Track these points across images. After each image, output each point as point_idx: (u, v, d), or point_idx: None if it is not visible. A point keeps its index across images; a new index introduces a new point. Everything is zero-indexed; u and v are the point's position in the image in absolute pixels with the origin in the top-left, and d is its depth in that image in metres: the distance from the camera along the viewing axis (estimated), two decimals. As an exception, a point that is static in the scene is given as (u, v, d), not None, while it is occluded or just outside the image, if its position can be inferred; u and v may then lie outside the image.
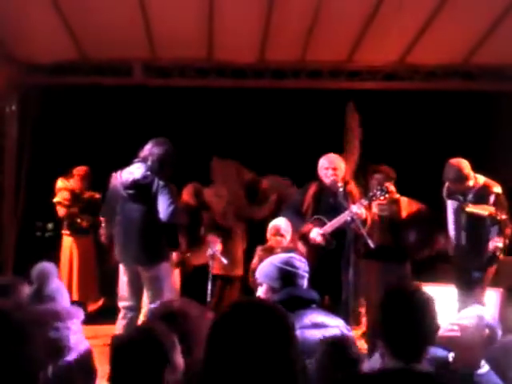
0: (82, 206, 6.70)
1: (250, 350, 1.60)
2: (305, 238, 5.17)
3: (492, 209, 5.16)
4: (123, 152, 5.45)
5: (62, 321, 3.21)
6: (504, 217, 5.12)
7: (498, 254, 5.27)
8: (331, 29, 6.54)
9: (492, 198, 5.28)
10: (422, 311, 2.24)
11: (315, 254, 5.10)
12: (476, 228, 5.32)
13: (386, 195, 5.19)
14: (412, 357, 2.18)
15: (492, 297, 5.98)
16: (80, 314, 3.38)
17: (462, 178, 5.31)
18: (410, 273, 6.05)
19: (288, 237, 5.30)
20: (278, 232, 5.22)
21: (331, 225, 5.10)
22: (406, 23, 6.42)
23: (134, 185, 5.01)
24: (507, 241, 5.22)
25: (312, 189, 5.30)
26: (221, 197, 6.37)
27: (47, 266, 3.86)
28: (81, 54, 7.07)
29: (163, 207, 4.87)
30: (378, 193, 5.11)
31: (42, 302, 3.55)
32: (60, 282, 3.88)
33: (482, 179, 5.43)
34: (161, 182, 4.95)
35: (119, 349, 2.31)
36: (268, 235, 5.33)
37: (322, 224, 5.16)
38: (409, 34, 6.65)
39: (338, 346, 2.81)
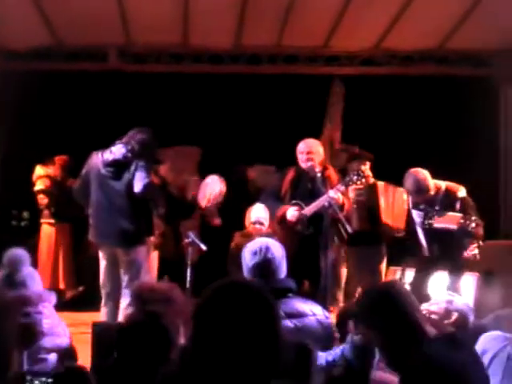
0: (64, 193, 6.61)
1: (234, 328, 1.60)
2: (282, 222, 5.17)
3: (458, 217, 5.12)
4: (99, 137, 5.44)
5: (33, 306, 3.19)
6: (473, 225, 5.08)
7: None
8: (308, 14, 6.53)
9: (458, 204, 5.25)
10: (402, 308, 2.26)
11: (293, 239, 5.10)
12: (447, 241, 5.24)
13: (363, 180, 5.19)
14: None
15: (468, 281, 6.06)
16: (52, 297, 3.37)
17: (421, 189, 5.20)
18: (385, 257, 6.13)
19: (266, 224, 5.31)
20: (257, 220, 5.21)
21: (309, 209, 5.10)
22: (382, 8, 6.44)
23: (115, 163, 5.06)
24: (481, 242, 5.23)
25: (290, 174, 5.28)
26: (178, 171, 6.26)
27: (18, 252, 3.83)
28: (56, 40, 6.99)
29: (137, 180, 4.96)
30: (355, 177, 5.11)
31: (13, 288, 3.52)
32: (31, 268, 3.84)
33: (443, 185, 5.35)
34: (140, 163, 5.02)
35: (126, 332, 2.32)
36: (247, 222, 5.33)
37: (300, 208, 5.16)
38: (385, 19, 6.67)
39: None
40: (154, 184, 5.09)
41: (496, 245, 6.67)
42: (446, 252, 5.34)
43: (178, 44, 7.11)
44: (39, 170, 6.67)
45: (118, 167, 5.05)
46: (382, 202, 5.83)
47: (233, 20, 6.68)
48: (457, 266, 5.33)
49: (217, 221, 5.98)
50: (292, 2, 6.37)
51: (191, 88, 7.39)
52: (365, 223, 5.86)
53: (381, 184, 5.91)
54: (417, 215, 5.37)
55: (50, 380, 2.25)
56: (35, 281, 3.70)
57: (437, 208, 5.22)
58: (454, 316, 3.18)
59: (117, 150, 5.11)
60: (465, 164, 7.25)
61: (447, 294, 3.37)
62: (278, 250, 3.28)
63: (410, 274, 6.07)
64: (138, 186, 4.96)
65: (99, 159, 5.15)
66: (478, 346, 2.70)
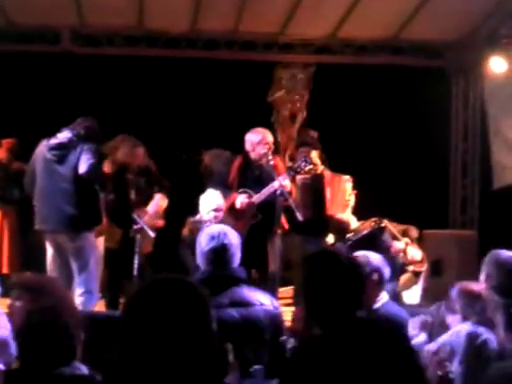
0: (9, 177, 6.48)
1: (165, 325, 1.58)
2: (231, 210, 5.16)
3: (369, 221, 5.25)
4: (49, 120, 5.35)
5: None
6: (385, 221, 5.21)
7: (404, 255, 5.38)
8: (265, 0, 6.51)
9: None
10: (344, 275, 2.19)
11: (241, 227, 5.10)
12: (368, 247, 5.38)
13: (311, 166, 5.23)
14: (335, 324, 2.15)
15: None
16: None
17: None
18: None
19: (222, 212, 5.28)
20: (218, 207, 5.15)
21: (257, 197, 5.12)
22: (338, -4, 6.46)
23: (59, 146, 5.01)
24: (402, 236, 5.34)
25: (237, 161, 5.28)
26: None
27: None
28: (6, 20, 6.80)
29: (83, 161, 4.91)
30: (303, 164, 5.14)
31: None
32: None
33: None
34: (86, 146, 4.97)
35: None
36: (203, 209, 5.22)
37: (248, 197, 5.17)
38: (341, 8, 6.68)
39: None
40: (99, 166, 5.02)
41: (444, 234, 6.82)
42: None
43: (133, 26, 7.00)
44: (-15, 154, 6.53)
45: (63, 150, 4.99)
46: (328, 192, 5.85)
47: (189, 3, 6.61)
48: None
49: (160, 223, 5.89)
50: (249, -12, 6.34)
51: (146, 72, 7.30)
52: (309, 211, 5.88)
53: (327, 174, 5.93)
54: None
55: None
56: None
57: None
58: (375, 276, 3.36)
59: (62, 135, 5.07)
60: (416, 154, 7.38)
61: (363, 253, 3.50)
62: (235, 238, 3.27)
63: None
64: (82, 168, 4.90)
65: (44, 145, 5.10)
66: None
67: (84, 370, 2.39)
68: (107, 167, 5.67)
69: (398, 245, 5.30)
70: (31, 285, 2.64)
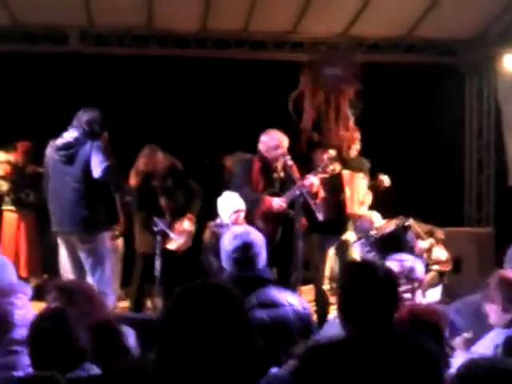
0: (25, 180, 6.40)
1: (203, 331, 1.59)
2: (266, 214, 5.10)
3: (396, 220, 5.22)
4: (59, 122, 5.25)
5: (5, 296, 3.06)
6: (410, 220, 5.17)
7: (428, 255, 5.34)
8: (275, -1, 6.45)
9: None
10: (382, 286, 2.25)
11: (276, 228, 5.07)
12: (394, 243, 5.28)
13: (335, 167, 5.20)
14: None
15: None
16: (27, 289, 3.25)
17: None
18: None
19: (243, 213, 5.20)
20: (239, 209, 5.08)
21: (287, 196, 5.09)
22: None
23: (66, 146, 4.92)
24: (426, 236, 5.29)
25: (257, 165, 5.23)
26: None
27: None
28: (13, 20, 6.69)
29: (96, 164, 4.81)
30: (329, 162, 5.13)
31: None
32: (3, 257, 3.68)
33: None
34: (95, 143, 4.88)
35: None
36: (223, 211, 5.14)
37: (278, 196, 5.14)
38: (353, 6, 6.63)
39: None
40: (114, 167, 4.92)
41: (461, 232, 6.80)
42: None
43: (143, 26, 6.91)
44: (0, 156, 6.45)
45: (71, 150, 4.90)
46: (347, 191, 5.86)
47: (199, 2, 6.53)
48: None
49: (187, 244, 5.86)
50: (259, -14, 6.27)
51: (155, 72, 7.21)
52: (329, 211, 5.86)
53: (346, 173, 5.93)
54: (361, 245, 5.45)
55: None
56: (6, 272, 3.55)
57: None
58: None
59: (68, 134, 4.98)
60: (431, 152, 7.34)
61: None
62: (259, 238, 3.24)
63: None
64: (96, 171, 4.80)
65: (52, 146, 5.03)
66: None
67: (96, 370, 2.42)
68: (132, 179, 5.63)
69: (422, 244, 5.25)
70: (67, 288, 2.61)
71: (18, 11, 6.57)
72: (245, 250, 3.16)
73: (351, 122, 7.11)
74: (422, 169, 7.36)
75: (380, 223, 5.56)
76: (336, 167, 5.77)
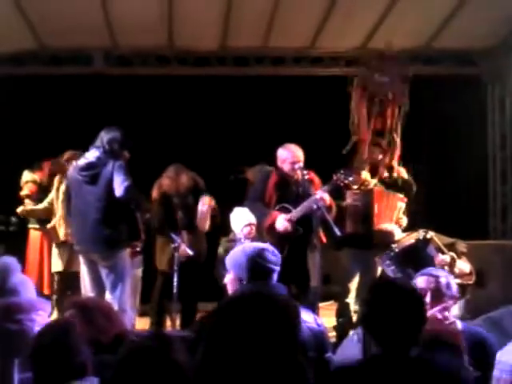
0: None
1: (251, 341, 1.58)
2: (271, 228, 5.10)
3: (416, 233, 5.15)
4: (85, 142, 5.37)
5: (25, 313, 3.14)
6: (431, 233, 5.10)
7: (449, 268, 5.24)
8: (293, 14, 6.50)
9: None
10: (409, 305, 2.21)
11: (282, 243, 5.05)
12: (413, 258, 5.16)
13: (350, 178, 5.13)
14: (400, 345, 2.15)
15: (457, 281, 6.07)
16: (46, 306, 3.31)
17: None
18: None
19: (254, 227, 5.25)
20: (250, 223, 5.13)
21: (298, 211, 5.06)
22: (368, 8, 6.42)
23: (88, 166, 5.02)
24: (447, 249, 5.22)
25: (273, 179, 5.23)
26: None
27: (8, 259, 3.76)
28: (39, 43, 6.91)
29: (117, 183, 4.88)
30: (342, 176, 5.04)
31: (4, 296, 3.46)
32: (23, 275, 3.77)
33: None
34: (117, 163, 4.96)
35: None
36: (235, 226, 5.21)
37: (287, 212, 5.11)
38: (371, 19, 6.64)
39: None
40: (134, 187, 5.00)
41: (486, 245, 6.67)
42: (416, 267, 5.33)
43: (164, 46, 7.05)
44: (26, 175, 6.60)
45: (93, 170, 5.00)
46: (376, 208, 5.82)
47: (218, 21, 6.64)
48: None
49: (207, 224, 5.90)
50: (277, 3, 6.33)
51: (178, 90, 7.33)
52: (358, 228, 5.82)
53: (377, 190, 5.87)
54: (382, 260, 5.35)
55: None
56: (27, 288, 3.62)
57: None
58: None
59: (90, 155, 5.09)
60: (454, 164, 7.27)
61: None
62: (273, 257, 3.22)
63: None
64: (118, 191, 4.88)
65: (74, 166, 5.14)
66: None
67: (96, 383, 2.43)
68: (154, 193, 5.74)
69: (443, 257, 5.15)
70: (84, 305, 2.67)
71: (44, 35, 6.78)
72: (255, 274, 3.10)
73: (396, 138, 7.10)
74: (445, 181, 7.29)
75: (400, 236, 5.49)
76: (367, 183, 5.77)
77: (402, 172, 6.40)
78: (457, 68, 7.18)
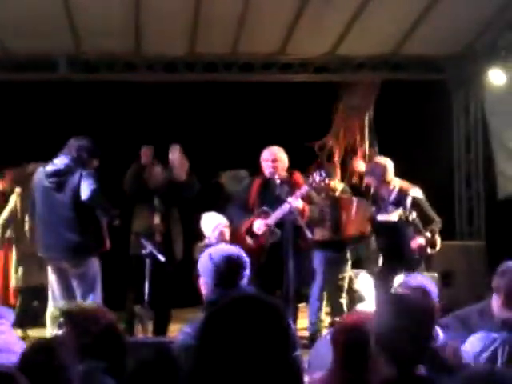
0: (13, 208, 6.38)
1: (244, 346, 1.54)
2: (249, 233, 5.09)
3: (400, 211, 5.22)
4: (50, 150, 5.29)
5: None
6: (414, 215, 5.17)
7: (424, 251, 5.32)
8: (262, 21, 6.51)
9: (408, 202, 5.34)
10: (418, 319, 2.17)
11: (262, 248, 5.05)
12: (391, 234, 5.37)
13: (326, 180, 5.18)
14: (409, 364, 2.11)
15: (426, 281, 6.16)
16: (9, 314, 3.23)
17: (386, 179, 5.39)
18: (348, 262, 6.21)
19: (228, 228, 5.23)
20: (219, 224, 5.12)
21: (273, 217, 5.06)
22: (336, 14, 6.47)
23: (57, 173, 4.98)
24: (429, 234, 5.29)
25: (256, 183, 5.23)
26: None
27: None
28: (1, 49, 6.72)
29: (84, 187, 4.88)
30: (318, 178, 5.07)
31: None
32: None
33: (397, 184, 5.49)
34: (85, 171, 4.95)
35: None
36: (207, 231, 5.19)
37: (267, 216, 5.11)
38: (339, 26, 6.70)
39: None
40: (100, 192, 4.96)
41: (452, 246, 6.81)
42: (393, 246, 5.44)
43: (132, 52, 6.95)
44: (-13, 184, 6.44)
45: (61, 177, 4.97)
46: (344, 216, 5.92)
47: (187, 27, 6.58)
48: (410, 263, 5.37)
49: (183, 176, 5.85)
50: (246, 9, 6.32)
51: (145, 97, 7.24)
52: (327, 234, 5.97)
53: (345, 198, 6.00)
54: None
55: None
56: None
57: (390, 204, 5.35)
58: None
59: (58, 161, 5.04)
60: (420, 167, 7.36)
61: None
62: (241, 256, 3.20)
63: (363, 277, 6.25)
64: (84, 193, 4.87)
65: (42, 172, 5.07)
66: (471, 348, 2.70)
67: None
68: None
69: (420, 241, 5.22)
70: (76, 315, 2.60)
71: (7, 40, 6.60)
72: (222, 278, 3.11)
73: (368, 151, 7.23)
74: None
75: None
76: (336, 189, 5.88)
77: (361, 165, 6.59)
78: (423, 74, 7.31)
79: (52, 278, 5.07)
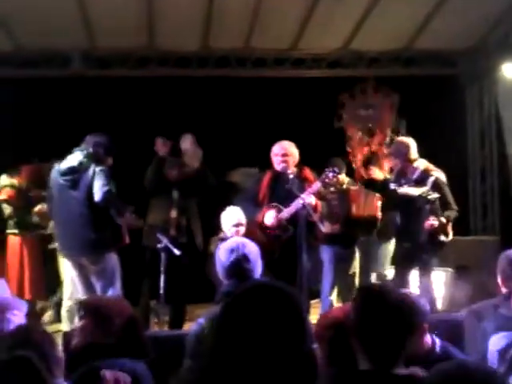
0: (29, 203, 6.43)
1: (261, 333, 1.56)
2: (262, 228, 5.10)
3: (424, 189, 5.21)
4: (63, 146, 5.31)
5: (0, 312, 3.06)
6: (435, 195, 5.16)
7: (435, 234, 5.29)
8: (275, 16, 6.51)
9: (430, 182, 5.32)
10: (398, 313, 2.13)
11: (275, 242, 5.06)
12: (408, 208, 5.34)
13: (339, 177, 5.19)
14: (387, 360, 2.07)
15: (441, 277, 6.15)
16: (22, 306, 3.25)
17: (410, 158, 5.36)
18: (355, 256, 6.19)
19: (244, 226, 5.24)
20: (239, 222, 5.10)
21: (286, 212, 5.07)
22: (348, 10, 6.46)
23: (71, 171, 4.98)
24: (444, 220, 5.26)
25: (266, 177, 5.25)
26: None
27: None
28: (16, 46, 6.76)
29: (96, 188, 4.87)
30: (331, 174, 5.09)
31: None
32: None
33: (422, 165, 5.47)
34: (97, 168, 4.94)
35: None
36: (225, 225, 5.19)
37: (278, 211, 5.11)
38: (352, 21, 6.69)
39: None
40: (113, 192, 4.96)
41: (467, 241, 6.79)
42: (406, 221, 5.40)
43: (144, 47, 6.97)
44: (3, 180, 6.47)
45: (75, 174, 4.97)
46: (354, 208, 5.91)
47: (199, 22, 6.60)
48: (426, 261, 5.35)
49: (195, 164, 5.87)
50: (259, 4, 6.32)
51: (159, 92, 7.25)
52: (337, 227, 5.92)
53: (354, 189, 5.96)
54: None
55: None
56: (1, 288, 3.54)
57: (412, 182, 5.35)
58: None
59: (73, 157, 5.03)
60: (433, 163, 7.32)
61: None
62: (253, 248, 3.23)
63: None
64: (97, 195, 4.87)
65: (57, 170, 5.08)
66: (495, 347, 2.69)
67: None
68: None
69: (433, 222, 5.20)
70: (94, 306, 2.61)
71: (21, 37, 6.64)
72: (239, 263, 3.15)
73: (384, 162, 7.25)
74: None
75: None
76: (343, 183, 5.85)
77: (376, 172, 6.55)
78: (436, 69, 7.28)
79: (72, 273, 5.10)
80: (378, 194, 5.85)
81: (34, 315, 5.77)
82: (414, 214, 5.27)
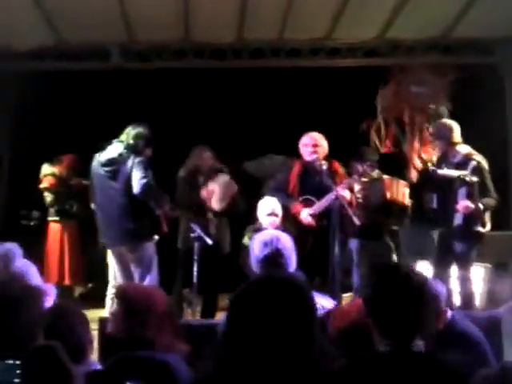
0: (70, 192, 6.64)
1: (269, 323, 1.61)
2: (295, 219, 5.14)
3: (464, 172, 5.14)
4: (103, 137, 5.46)
5: (39, 299, 3.20)
6: (474, 179, 5.08)
7: (475, 221, 5.19)
8: (309, 6, 6.48)
9: (471, 166, 5.24)
10: (416, 294, 2.11)
11: (306, 234, 5.10)
12: (445, 190, 5.28)
13: (376, 170, 5.19)
14: (402, 340, 2.06)
15: (479, 273, 6.06)
16: (52, 291, 3.38)
17: (453, 141, 5.30)
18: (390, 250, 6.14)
19: (280, 216, 5.29)
20: (273, 212, 5.15)
21: (319, 205, 5.09)
22: (384, -2, 6.39)
23: (110, 162, 5.11)
24: (482, 206, 5.17)
25: (296, 168, 5.27)
26: None
27: (10, 245, 3.83)
28: (58, 40, 6.95)
29: (135, 180, 4.98)
30: (369, 169, 5.12)
31: (9, 279, 3.50)
32: (26, 261, 3.82)
33: (465, 148, 5.39)
34: (136, 159, 5.04)
35: None
36: (260, 215, 5.25)
37: (310, 204, 5.15)
38: (388, 9, 6.60)
39: None
40: (152, 184, 5.07)
41: (507, 236, 6.65)
42: (442, 202, 5.32)
43: (180, 40, 7.06)
44: (46, 169, 6.72)
45: (114, 165, 5.09)
46: (388, 195, 5.90)
47: (234, 14, 6.63)
48: (464, 252, 5.27)
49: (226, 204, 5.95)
50: (293, -5, 6.32)
51: (195, 83, 7.36)
52: (369, 218, 5.89)
53: (387, 178, 5.95)
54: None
55: (18, 362, 2.20)
56: (31, 274, 3.68)
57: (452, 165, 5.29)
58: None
59: (113, 149, 5.16)
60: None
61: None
62: (288, 242, 3.28)
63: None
64: (136, 188, 4.99)
65: (97, 161, 5.22)
66: None
67: (98, 366, 2.55)
68: (182, 172, 5.84)
69: (468, 204, 5.08)
70: (127, 295, 2.71)
71: (63, 31, 6.82)
72: (275, 258, 3.21)
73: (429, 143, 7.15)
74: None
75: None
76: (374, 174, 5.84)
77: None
78: (474, 57, 7.14)
79: (112, 261, 5.30)
80: (404, 181, 5.83)
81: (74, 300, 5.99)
82: (452, 196, 5.20)
